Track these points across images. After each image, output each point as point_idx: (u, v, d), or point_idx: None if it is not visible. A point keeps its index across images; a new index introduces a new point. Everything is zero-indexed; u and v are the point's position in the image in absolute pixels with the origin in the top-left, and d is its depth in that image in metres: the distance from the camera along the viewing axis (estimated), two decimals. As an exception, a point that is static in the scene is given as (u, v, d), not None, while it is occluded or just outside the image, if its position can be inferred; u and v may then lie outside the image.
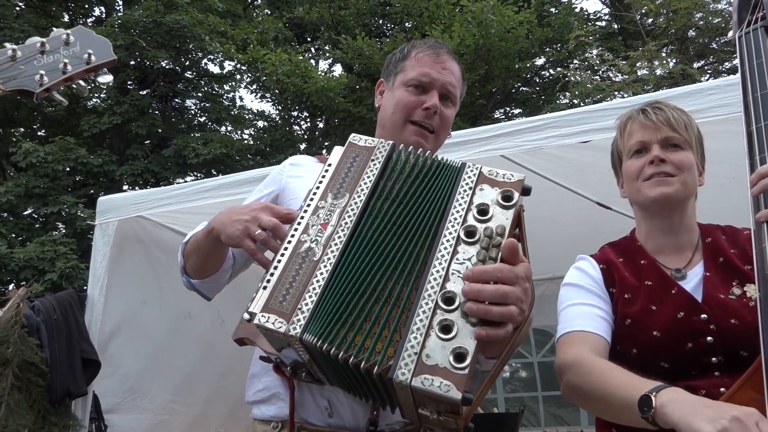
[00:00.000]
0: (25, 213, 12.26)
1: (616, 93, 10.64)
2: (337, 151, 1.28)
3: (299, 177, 1.56)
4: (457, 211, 1.13)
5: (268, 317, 1.07)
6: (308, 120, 15.74)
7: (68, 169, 11.74)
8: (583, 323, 1.47)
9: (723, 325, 1.38)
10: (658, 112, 1.58)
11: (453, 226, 1.12)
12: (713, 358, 1.37)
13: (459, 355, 0.99)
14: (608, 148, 3.32)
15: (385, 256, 1.12)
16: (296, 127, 15.87)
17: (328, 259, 1.12)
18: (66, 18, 14.84)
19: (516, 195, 1.14)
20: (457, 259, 1.08)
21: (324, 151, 14.39)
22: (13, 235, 11.38)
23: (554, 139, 2.92)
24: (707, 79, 11.04)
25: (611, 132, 2.79)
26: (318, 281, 1.10)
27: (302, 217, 1.19)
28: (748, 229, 1.54)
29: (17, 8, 12.97)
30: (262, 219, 1.25)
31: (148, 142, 13.66)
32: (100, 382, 3.86)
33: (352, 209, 1.17)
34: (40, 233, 11.04)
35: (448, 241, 1.10)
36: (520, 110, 14.39)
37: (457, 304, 1.03)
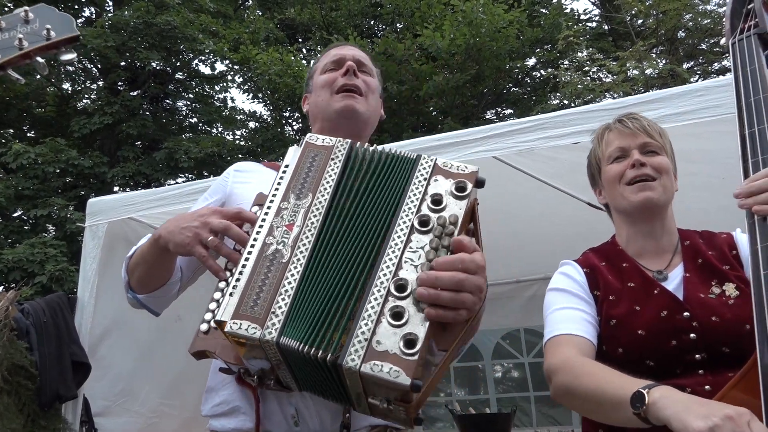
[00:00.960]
0: (15, 215, 12.18)
1: (606, 93, 10.69)
2: (294, 152, 1.26)
3: (245, 183, 1.53)
4: (412, 201, 1.14)
5: (240, 324, 1.04)
6: (300, 120, 15.71)
7: (58, 170, 11.67)
8: (569, 327, 1.50)
9: (705, 322, 1.42)
10: (634, 121, 1.65)
11: (407, 215, 1.12)
12: (696, 355, 1.41)
13: (409, 341, 1.00)
14: (599, 149, 3.31)
15: (350, 251, 1.12)
16: (288, 128, 15.84)
17: (298, 260, 1.10)
18: (55, 18, 14.72)
19: (469, 186, 1.14)
20: (411, 247, 1.09)
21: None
22: (2, 237, 11.30)
23: (545, 140, 2.93)
24: (697, 80, 11.11)
25: (602, 133, 2.81)
26: (290, 283, 1.08)
27: (264, 219, 1.16)
28: (725, 233, 1.61)
29: (6, 9, 12.88)
30: (212, 223, 1.22)
31: (139, 143, 13.60)
32: (90, 385, 3.83)
33: (317, 209, 1.16)
34: (30, 235, 10.96)
35: (402, 230, 1.11)
36: (512, 111, 14.42)
37: (409, 291, 1.05)
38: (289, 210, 1.16)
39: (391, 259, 1.08)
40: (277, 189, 1.20)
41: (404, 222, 1.12)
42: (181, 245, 1.24)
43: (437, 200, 1.13)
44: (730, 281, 1.47)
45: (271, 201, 1.19)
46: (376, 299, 1.04)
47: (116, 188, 12.48)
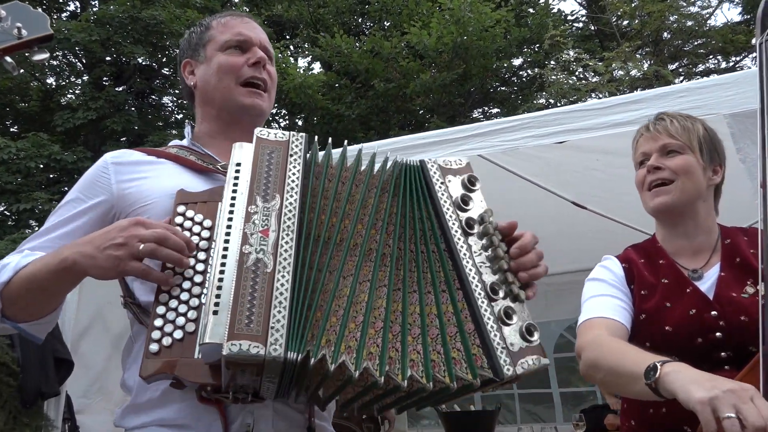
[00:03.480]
0: (-3, 210, 12.04)
1: (591, 94, 10.76)
2: (244, 149, 1.18)
3: (141, 179, 1.33)
4: (447, 207, 1.17)
5: (240, 344, 0.96)
6: (287, 118, 15.66)
7: (41, 165, 11.54)
8: (603, 311, 1.55)
9: (733, 321, 1.45)
10: (658, 123, 1.66)
11: (453, 222, 1.15)
12: (722, 353, 1.45)
13: (528, 331, 1.06)
14: (583, 148, 3.37)
15: (358, 255, 1.10)
16: (275, 125, 15.79)
17: (284, 267, 1.04)
18: (39, 12, 14.55)
19: (476, 178, 1.21)
20: (475, 251, 1.13)
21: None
22: (-16, 233, 11.16)
23: (530, 140, 2.95)
24: (681, 81, 11.21)
25: (586, 132, 2.84)
26: (282, 293, 1.02)
27: (230, 226, 1.08)
28: None
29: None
30: (141, 234, 1.08)
31: (124, 138, 13.49)
32: (71, 382, 3.79)
33: (290, 210, 1.10)
34: (12, 231, 10.84)
35: (459, 238, 1.14)
36: (499, 110, 14.46)
37: (502, 293, 1.10)
38: (259, 214, 1.08)
39: (470, 268, 1.11)
40: (235, 190, 1.12)
41: (455, 230, 1.15)
42: (110, 268, 1.09)
43: (465, 200, 1.18)
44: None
45: (233, 204, 1.10)
46: (484, 308, 1.07)
47: (100, 184, 12.34)
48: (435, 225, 1.16)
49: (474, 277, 1.10)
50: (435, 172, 1.21)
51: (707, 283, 1.56)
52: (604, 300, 1.58)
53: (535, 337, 1.06)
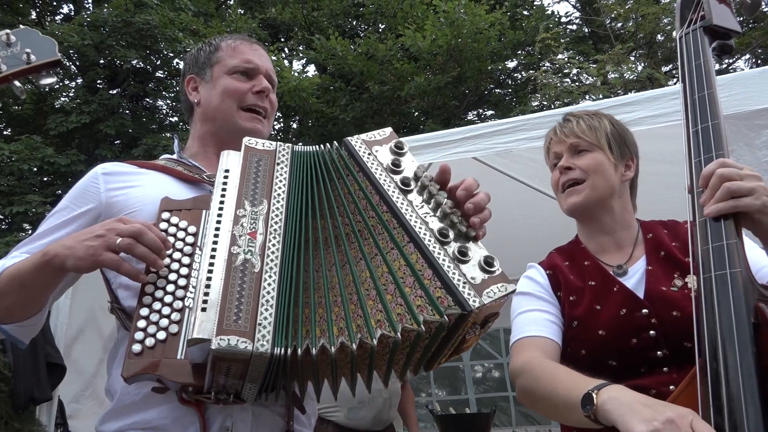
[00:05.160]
0: (-10, 214, 11.98)
1: (585, 96, 10.79)
2: (232, 156, 1.25)
3: (128, 188, 1.37)
4: (380, 174, 1.20)
5: (228, 339, 0.99)
6: (281, 120, 15.65)
7: (35, 168, 11.50)
8: (533, 329, 1.51)
9: (665, 318, 1.41)
10: (565, 125, 1.68)
11: (389, 185, 1.18)
12: (658, 352, 1.40)
13: (487, 263, 1.08)
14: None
15: (327, 246, 1.15)
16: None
17: (270, 268, 1.09)
18: (33, 15, 14.53)
19: (404, 143, 1.26)
20: (417, 205, 1.16)
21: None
22: (-23, 237, 11.10)
23: (524, 142, 2.96)
24: (675, 83, 11.25)
25: (579, 134, 2.84)
26: (269, 292, 1.06)
27: (218, 228, 1.13)
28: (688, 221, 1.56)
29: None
30: (118, 228, 1.12)
31: (118, 142, 13.45)
32: (63, 387, 3.77)
33: (276, 215, 1.16)
34: (6, 234, 10.79)
35: (397, 197, 1.16)
36: (493, 112, 14.48)
37: (451, 235, 1.11)
38: (247, 217, 1.14)
39: (414, 221, 1.12)
40: (223, 195, 1.17)
41: (393, 191, 1.17)
42: (85, 257, 1.12)
43: (396, 164, 1.21)
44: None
45: (221, 208, 1.16)
46: (438, 252, 1.08)
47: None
48: (373, 192, 1.19)
49: (420, 228, 1.11)
50: (360, 146, 1.25)
51: (634, 278, 1.53)
52: (532, 315, 1.55)
53: (496, 266, 1.07)
